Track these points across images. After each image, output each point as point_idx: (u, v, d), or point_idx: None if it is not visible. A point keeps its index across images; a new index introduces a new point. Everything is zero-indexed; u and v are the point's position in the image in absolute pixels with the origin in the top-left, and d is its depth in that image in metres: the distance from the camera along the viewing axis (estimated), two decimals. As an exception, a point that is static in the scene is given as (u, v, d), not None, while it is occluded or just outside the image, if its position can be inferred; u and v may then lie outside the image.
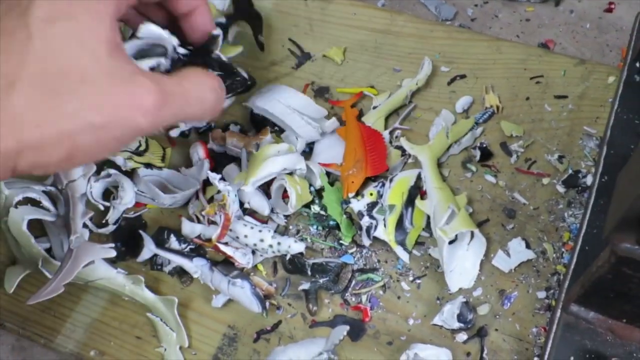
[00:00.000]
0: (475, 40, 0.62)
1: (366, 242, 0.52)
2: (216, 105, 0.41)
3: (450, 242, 0.49)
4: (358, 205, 0.51)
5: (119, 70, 0.35)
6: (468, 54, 0.61)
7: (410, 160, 0.55)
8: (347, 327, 0.46)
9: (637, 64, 0.55)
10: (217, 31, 0.47)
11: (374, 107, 0.58)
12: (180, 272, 0.54)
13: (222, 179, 0.52)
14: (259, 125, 0.58)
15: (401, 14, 0.65)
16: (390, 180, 0.53)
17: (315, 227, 0.54)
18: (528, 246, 0.51)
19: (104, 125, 0.34)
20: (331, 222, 0.54)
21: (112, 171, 0.54)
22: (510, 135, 0.56)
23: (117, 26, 0.36)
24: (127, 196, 0.54)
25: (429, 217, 0.52)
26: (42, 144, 0.33)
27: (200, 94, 0.39)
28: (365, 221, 0.51)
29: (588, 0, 0.69)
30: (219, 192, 0.53)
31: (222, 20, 0.56)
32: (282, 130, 0.57)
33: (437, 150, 0.54)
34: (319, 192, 0.54)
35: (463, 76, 0.60)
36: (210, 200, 0.54)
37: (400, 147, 0.56)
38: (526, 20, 0.69)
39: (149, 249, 0.54)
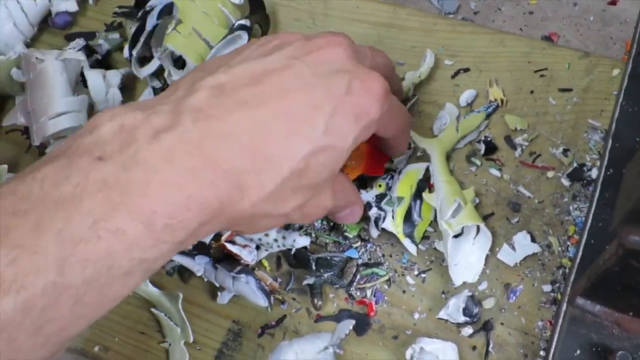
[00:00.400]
0: (478, 33, 0.62)
1: (374, 233, 0.52)
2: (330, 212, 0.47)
3: (456, 236, 0.49)
4: (366, 196, 0.51)
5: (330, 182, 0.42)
6: (471, 47, 0.61)
7: (418, 154, 0.55)
8: (353, 322, 0.46)
9: (642, 57, 0.55)
10: None
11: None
12: (181, 270, 0.54)
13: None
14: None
15: (404, 7, 0.64)
16: (399, 173, 0.53)
17: (319, 221, 0.54)
18: (533, 240, 0.51)
19: (299, 218, 0.42)
20: None
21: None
22: (514, 129, 0.56)
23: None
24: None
25: (436, 211, 0.52)
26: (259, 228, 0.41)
27: (338, 206, 0.46)
28: (374, 212, 0.51)
29: (591, -7, 0.69)
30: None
31: (247, 23, 0.57)
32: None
33: (446, 144, 0.54)
34: None
35: (467, 69, 0.59)
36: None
37: None
38: (529, 13, 0.69)
39: (151, 247, 0.53)
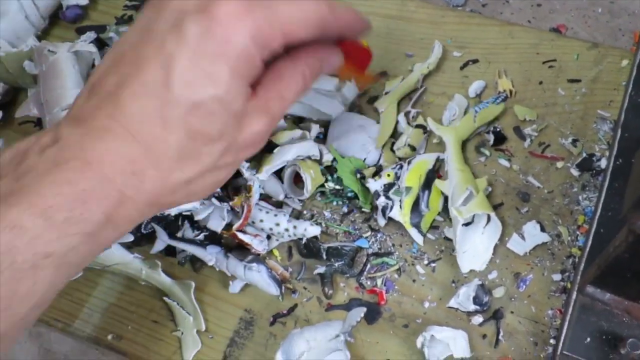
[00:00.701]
0: (486, 25, 0.62)
1: (381, 222, 0.52)
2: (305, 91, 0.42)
3: (467, 225, 0.50)
4: (375, 185, 0.52)
5: (245, 120, 0.38)
6: (480, 38, 0.61)
7: (434, 141, 0.56)
8: (365, 309, 0.47)
9: (651, 47, 0.55)
10: None
11: (386, 93, 0.59)
12: (193, 260, 0.55)
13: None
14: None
15: (412, 0, 0.65)
16: (409, 163, 0.53)
17: (329, 211, 0.55)
18: (543, 229, 0.51)
19: (229, 164, 0.39)
20: (349, 194, 0.54)
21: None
22: (523, 120, 0.56)
23: (258, 76, 0.38)
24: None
25: (445, 201, 0.52)
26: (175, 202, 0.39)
27: (296, 94, 0.41)
28: (381, 201, 0.51)
29: (600, -15, 0.69)
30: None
31: None
32: (300, 120, 0.57)
33: (463, 133, 0.54)
34: (328, 169, 0.54)
35: (475, 61, 0.60)
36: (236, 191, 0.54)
37: (421, 126, 0.56)
38: (537, 5, 0.69)
39: (162, 240, 0.54)
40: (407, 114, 0.58)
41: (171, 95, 0.35)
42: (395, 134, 0.57)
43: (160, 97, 0.35)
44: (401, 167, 0.53)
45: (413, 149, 0.55)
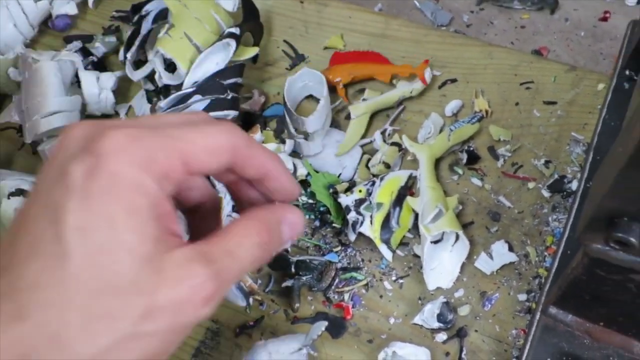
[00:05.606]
0: (468, 45, 0.62)
1: (351, 236, 0.52)
2: (265, 259, 0.34)
3: (436, 242, 0.50)
4: (346, 200, 0.52)
5: (167, 266, 0.30)
6: (461, 58, 0.61)
7: (409, 158, 0.56)
8: (326, 323, 0.47)
9: (627, 72, 0.55)
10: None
11: (363, 99, 0.59)
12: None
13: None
14: (248, 123, 0.59)
15: (396, 18, 0.65)
16: (381, 179, 0.53)
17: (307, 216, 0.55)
18: (511, 249, 0.52)
19: (160, 330, 0.30)
20: (321, 208, 0.55)
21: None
22: (498, 140, 0.56)
23: (164, 210, 0.31)
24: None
25: (415, 218, 0.52)
26: None
27: (251, 255, 0.33)
28: (352, 216, 0.52)
29: (583, 9, 0.69)
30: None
31: (237, 31, 0.57)
32: (281, 130, 0.58)
33: (436, 151, 0.55)
34: (302, 183, 0.55)
35: (454, 80, 0.60)
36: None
37: (396, 144, 0.56)
38: (521, 27, 0.70)
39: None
40: (383, 132, 0.58)
41: (63, 249, 0.29)
42: (372, 151, 0.57)
43: (53, 255, 0.29)
44: (374, 183, 0.53)
45: (388, 166, 0.56)
